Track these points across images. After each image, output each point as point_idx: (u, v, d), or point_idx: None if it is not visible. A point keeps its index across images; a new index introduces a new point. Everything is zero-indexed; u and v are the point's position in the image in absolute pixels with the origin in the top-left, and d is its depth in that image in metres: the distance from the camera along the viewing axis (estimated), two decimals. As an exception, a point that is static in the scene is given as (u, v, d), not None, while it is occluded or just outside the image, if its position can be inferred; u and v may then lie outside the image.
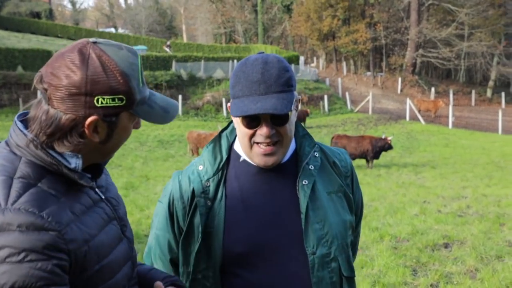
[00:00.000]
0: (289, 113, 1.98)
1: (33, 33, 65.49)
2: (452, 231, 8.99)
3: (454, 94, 50.10)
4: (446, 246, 8.25)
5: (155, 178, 16.17)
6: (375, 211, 10.92)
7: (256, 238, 2.05)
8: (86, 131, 1.60)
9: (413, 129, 32.86)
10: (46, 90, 1.58)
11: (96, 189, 1.80)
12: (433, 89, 51.41)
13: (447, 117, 36.53)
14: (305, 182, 2.10)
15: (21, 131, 1.60)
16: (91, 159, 1.72)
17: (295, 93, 2.08)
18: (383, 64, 60.78)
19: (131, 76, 1.61)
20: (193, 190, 2.13)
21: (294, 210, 2.07)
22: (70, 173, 1.60)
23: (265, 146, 2.01)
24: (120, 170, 17.63)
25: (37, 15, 75.75)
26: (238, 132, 2.09)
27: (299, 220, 2.05)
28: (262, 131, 1.98)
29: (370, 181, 15.77)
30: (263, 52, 2.10)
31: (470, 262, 7.30)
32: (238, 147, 2.19)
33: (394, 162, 20.72)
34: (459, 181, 15.35)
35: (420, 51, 57.84)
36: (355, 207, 2.26)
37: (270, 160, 2.05)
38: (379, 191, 13.76)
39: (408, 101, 38.70)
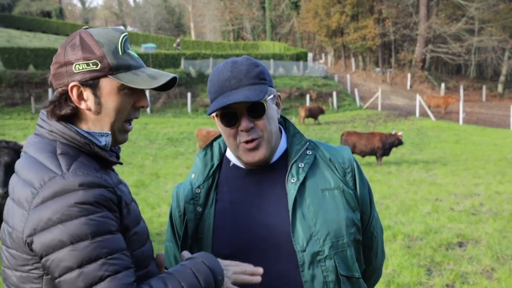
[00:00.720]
0: (264, 103, 2.04)
1: (44, 32, 65.89)
2: (466, 230, 8.90)
3: (464, 89, 49.95)
4: (460, 245, 8.16)
5: (165, 176, 16.15)
6: (386, 209, 10.83)
7: (243, 240, 2.08)
8: (72, 97, 1.82)
9: (423, 126, 32.77)
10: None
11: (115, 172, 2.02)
12: (443, 84, 51.14)
13: (458, 113, 36.44)
14: (293, 180, 2.09)
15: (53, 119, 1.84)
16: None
17: (272, 89, 2.14)
18: (392, 60, 60.56)
19: (105, 44, 1.80)
20: (183, 197, 2.21)
21: (283, 209, 2.07)
22: (101, 151, 1.83)
23: (249, 142, 2.04)
24: (130, 168, 17.61)
25: (48, 14, 76.21)
26: (223, 135, 2.14)
27: (288, 219, 2.04)
28: (242, 126, 2.02)
29: (381, 178, 15.67)
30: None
31: (486, 262, 7.21)
32: (230, 153, 2.24)
33: (405, 159, 20.62)
34: (471, 178, 15.21)
35: (430, 46, 57.55)
36: (361, 203, 2.19)
37: (257, 155, 2.07)
38: (390, 188, 13.67)
39: (418, 97, 38.60)
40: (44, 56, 36.88)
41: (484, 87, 54.09)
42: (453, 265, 7.16)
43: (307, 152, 2.17)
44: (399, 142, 18.60)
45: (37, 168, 1.70)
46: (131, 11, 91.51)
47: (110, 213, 1.69)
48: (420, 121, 34.76)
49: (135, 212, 1.91)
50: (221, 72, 2.07)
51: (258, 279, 1.90)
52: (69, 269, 1.60)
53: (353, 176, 2.19)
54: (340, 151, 2.24)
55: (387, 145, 18.46)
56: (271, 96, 2.11)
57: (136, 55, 1.91)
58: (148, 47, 51.95)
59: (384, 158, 19.28)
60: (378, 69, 58.22)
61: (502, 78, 58.74)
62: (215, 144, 2.29)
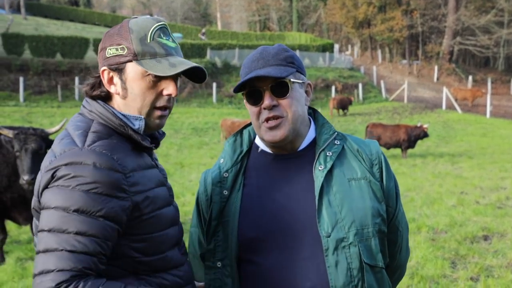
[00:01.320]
0: (288, 83, 2.07)
1: (71, 20, 66.37)
2: (492, 223, 8.82)
3: (492, 82, 49.13)
4: (485, 238, 8.09)
5: (189, 165, 16.23)
6: (411, 201, 10.78)
7: (269, 224, 2.09)
8: (103, 81, 1.94)
9: (450, 118, 32.46)
10: None
11: (153, 157, 2.12)
12: (470, 77, 50.52)
13: (485, 106, 36.03)
14: (321, 167, 2.10)
15: (93, 99, 1.97)
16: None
17: (303, 76, 2.18)
18: (419, 52, 59.99)
19: (135, 31, 1.90)
20: (211, 181, 2.23)
21: (309, 195, 2.08)
22: (134, 134, 1.91)
23: (271, 120, 2.07)
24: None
25: (76, 3, 76.89)
26: (250, 116, 2.15)
27: (314, 205, 2.06)
28: (264, 103, 2.06)
29: (406, 171, 15.61)
30: None
31: (511, 256, 7.15)
32: (258, 140, 2.27)
33: (430, 151, 20.46)
34: (497, 172, 15.07)
35: (458, 38, 56.87)
36: (386, 196, 2.19)
37: (277, 134, 2.07)
38: (415, 181, 13.60)
39: (445, 89, 38.20)
40: (71, 45, 37.05)
41: (512, 80, 53.23)
42: (478, 258, 7.09)
43: (335, 142, 2.19)
44: (425, 135, 18.50)
45: (66, 141, 1.81)
46: (158, 0, 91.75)
47: (110, 197, 1.74)
48: (447, 114, 34.44)
49: (157, 197, 1.95)
50: (252, 55, 2.16)
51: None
52: (42, 229, 1.69)
53: (380, 168, 2.19)
54: (368, 144, 2.25)
55: (412, 138, 18.37)
56: (300, 81, 2.14)
57: (170, 44, 1.96)
58: (175, 37, 52.09)
59: (409, 151, 19.16)
60: (404, 61, 57.72)
61: (531, 71, 57.77)
62: (245, 132, 2.32)
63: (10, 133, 6.49)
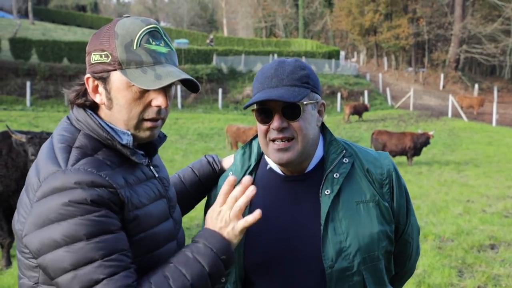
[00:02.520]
0: (301, 105, 1.97)
1: (78, 25, 66.75)
2: (499, 232, 8.77)
3: (498, 91, 49.29)
4: (492, 247, 8.05)
5: (195, 171, 16.18)
6: (417, 209, 10.71)
7: (276, 249, 2.04)
8: (88, 89, 1.78)
9: (455, 126, 32.39)
10: None
11: (151, 167, 1.96)
12: (476, 85, 50.45)
13: (491, 114, 35.92)
14: (327, 192, 2.04)
15: (91, 116, 1.79)
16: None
17: (317, 95, 2.08)
18: (425, 59, 60.04)
19: (120, 36, 1.71)
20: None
21: (315, 221, 2.03)
22: (123, 148, 1.76)
23: (279, 141, 1.99)
24: (160, 162, 17.71)
25: (83, 8, 77.27)
26: (258, 131, 2.09)
27: (319, 232, 2.01)
28: (274, 124, 1.97)
29: (411, 178, 15.56)
30: None
31: None
32: (267, 156, 2.18)
33: (436, 159, 20.42)
34: (503, 180, 15.02)
35: (464, 46, 56.89)
36: (396, 215, 2.14)
37: (284, 157, 1.99)
38: (421, 189, 13.57)
39: (451, 97, 38.17)
40: (78, 50, 37.25)
41: (519, 89, 53.20)
42: (485, 267, 7.06)
43: (344, 161, 2.12)
44: (428, 141, 18.59)
45: (48, 157, 1.68)
46: (164, 6, 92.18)
47: (110, 212, 1.63)
48: (453, 122, 34.37)
49: (150, 215, 1.81)
50: (266, 70, 2.04)
51: (258, 212, 1.81)
52: (64, 271, 1.55)
53: (391, 188, 2.14)
54: (380, 160, 2.18)
55: (418, 145, 18.36)
56: (313, 101, 2.05)
57: (160, 50, 1.77)
58: (181, 43, 52.21)
59: (415, 158, 19.15)
60: (410, 69, 57.73)
61: (537, 80, 57.74)
62: (254, 143, 2.25)
63: (23, 137, 6.52)
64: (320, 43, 60.06)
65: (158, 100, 1.75)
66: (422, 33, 58.60)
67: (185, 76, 1.74)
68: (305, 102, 1.99)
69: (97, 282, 1.54)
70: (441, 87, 51.65)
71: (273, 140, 1.99)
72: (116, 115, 1.77)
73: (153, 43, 1.73)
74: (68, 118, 1.84)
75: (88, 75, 1.77)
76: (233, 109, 36.87)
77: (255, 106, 2.02)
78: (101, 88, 1.76)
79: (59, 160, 1.65)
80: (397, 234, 2.16)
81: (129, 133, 1.79)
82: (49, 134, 6.77)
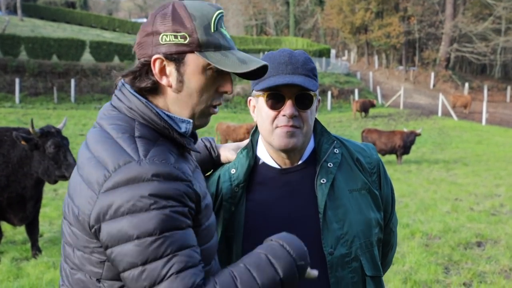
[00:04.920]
0: (314, 96, 2.03)
1: (68, 22, 66.28)
2: (486, 230, 8.87)
3: (488, 90, 49.36)
4: (479, 244, 8.14)
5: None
6: (405, 207, 10.85)
7: None
8: (153, 71, 1.66)
9: (445, 125, 32.64)
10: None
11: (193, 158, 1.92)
12: (467, 84, 50.78)
13: (481, 113, 36.16)
14: (323, 180, 2.07)
15: (134, 95, 1.68)
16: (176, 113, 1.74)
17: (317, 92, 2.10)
18: (416, 58, 60.28)
19: (198, 18, 1.63)
20: (221, 193, 2.14)
21: (313, 210, 2.05)
22: (180, 137, 1.68)
23: (288, 127, 1.99)
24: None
25: (72, 5, 76.78)
26: (260, 118, 2.08)
27: (318, 220, 2.03)
28: (286, 111, 1.97)
29: (400, 176, 15.67)
30: None
31: (505, 262, 7.20)
32: (260, 151, 2.19)
33: (425, 158, 20.57)
34: (492, 179, 15.15)
35: (455, 45, 57.16)
36: (384, 204, 2.21)
37: (291, 142, 2.01)
38: (410, 187, 13.67)
39: (441, 96, 38.36)
40: (68, 47, 37.04)
41: (509, 87, 53.50)
42: (471, 264, 7.14)
43: (335, 151, 2.17)
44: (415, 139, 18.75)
45: (113, 148, 1.57)
46: (154, 3, 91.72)
47: (184, 208, 1.56)
48: (442, 121, 34.62)
49: (209, 205, 1.77)
50: (277, 56, 2.03)
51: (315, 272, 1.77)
52: (133, 265, 1.50)
53: (379, 176, 2.21)
54: (367, 151, 2.25)
55: (408, 144, 18.42)
56: (318, 96, 2.10)
57: (229, 36, 1.73)
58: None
59: (404, 157, 19.26)
60: (401, 67, 57.94)
61: (527, 79, 58.05)
62: (254, 143, 2.22)
63: (38, 132, 6.67)
64: (311, 41, 60.13)
65: (227, 86, 1.73)
66: (413, 32, 58.82)
67: (265, 63, 1.71)
68: (314, 94, 2.04)
69: (165, 277, 1.49)
70: (431, 86, 51.89)
71: (279, 126, 2.00)
72: (185, 98, 1.69)
73: (224, 28, 1.71)
74: (113, 106, 1.72)
75: (158, 55, 1.65)
76: (223, 107, 36.80)
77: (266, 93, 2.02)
78: (171, 70, 1.67)
79: (128, 151, 1.55)
80: (384, 222, 2.22)
81: (190, 121, 1.72)
82: (56, 128, 6.92)
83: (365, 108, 34.44)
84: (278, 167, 2.14)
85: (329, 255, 2.00)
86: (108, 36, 53.60)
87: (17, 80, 31.77)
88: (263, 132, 2.07)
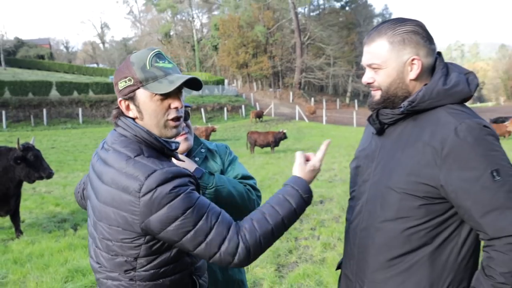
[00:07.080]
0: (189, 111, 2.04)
1: (39, 69, 61.63)
2: (325, 192, 8.98)
3: (326, 101, 51.22)
4: (321, 202, 8.19)
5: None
6: (275, 182, 10.74)
7: None
8: (122, 109, 1.60)
9: (301, 126, 32.98)
10: None
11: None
12: (312, 99, 52.32)
13: (322, 116, 37.20)
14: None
15: (136, 125, 1.57)
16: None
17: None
18: (280, 83, 61.25)
19: (136, 63, 1.55)
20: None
21: None
22: (170, 152, 1.61)
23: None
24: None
25: (42, 57, 71.63)
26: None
27: None
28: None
29: (273, 161, 15.53)
30: None
31: (336, 212, 7.30)
32: None
33: (289, 148, 20.67)
34: (330, 158, 15.10)
35: (303, 74, 58.68)
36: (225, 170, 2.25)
37: (185, 145, 2.09)
38: (279, 168, 13.51)
39: (297, 107, 39.10)
40: (39, 86, 34.62)
41: (337, 100, 55.55)
42: (316, 215, 7.16)
43: (201, 150, 2.20)
44: (284, 137, 18.80)
45: (138, 165, 1.47)
46: (101, 53, 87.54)
47: (193, 187, 1.50)
48: (299, 123, 34.99)
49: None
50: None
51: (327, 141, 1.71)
52: (187, 232, 1.43)
53: (228, 156, 2.27)
54: (219, 146, 2.29)
55: (277, 140, 18.64)
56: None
57: (167, 66, 1.58)
58: (112, 78, 49.65)
59: (276, 148, 19.41)
60: (271, 89, 58.48)
61: (348, 93, 60.90)
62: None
63: (21, 147, 6.19)
64: (211, 74, 59.67)
65: (175, 103, 1.58)
66: (277, 66, 59.78)
67: (189, 77, 1.58)
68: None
69: (212, 228, 1.44)
70: (291, 100, 52.68)
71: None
72: (148, 122, 1.58)
73: (160, 62, 1.57)
74: (121, 134, 1.60)
75: (119, 98, 1.59)
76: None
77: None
78: (131, 106, 1.58)
79: (150, 164, 1.47)
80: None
81: (178, 142, 1.68)
82: (30, 144, 6.40)
83: (259, 115, 34.93)
84: None
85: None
86: (68, 77, 50.16)
87: (3, 112, 29.31)
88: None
